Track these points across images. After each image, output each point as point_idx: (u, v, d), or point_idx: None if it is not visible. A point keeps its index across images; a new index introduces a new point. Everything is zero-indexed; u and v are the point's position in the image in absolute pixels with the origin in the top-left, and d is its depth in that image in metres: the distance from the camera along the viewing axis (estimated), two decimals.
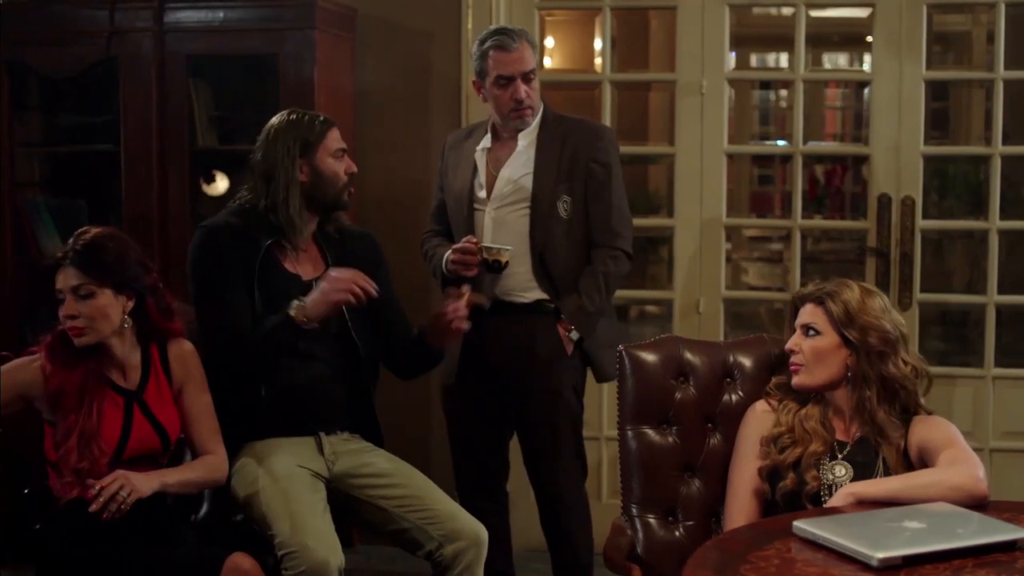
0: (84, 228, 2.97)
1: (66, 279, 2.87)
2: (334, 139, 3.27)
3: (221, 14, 4.33)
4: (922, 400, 2.72)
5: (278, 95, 4.25)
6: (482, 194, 3.64)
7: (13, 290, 4.52)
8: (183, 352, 3.04)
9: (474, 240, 3.55)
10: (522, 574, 3.90)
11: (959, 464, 2.50)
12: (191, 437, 3.04)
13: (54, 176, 4.76)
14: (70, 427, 2.83)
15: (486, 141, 3.68)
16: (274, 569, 2.98)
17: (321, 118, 3.30)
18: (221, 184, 4.56)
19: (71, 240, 2.93)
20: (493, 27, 3.69)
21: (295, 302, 3.09)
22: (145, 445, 2.93)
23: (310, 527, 2.98)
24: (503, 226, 3.60)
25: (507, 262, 3.51)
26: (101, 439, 2.84)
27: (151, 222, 4.36)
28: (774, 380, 2.82)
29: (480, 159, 3.66)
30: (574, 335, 3.59)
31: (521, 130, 3.63)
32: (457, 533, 3.13)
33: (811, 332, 2.72)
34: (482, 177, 3.65)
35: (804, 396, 2.73)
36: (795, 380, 2.73)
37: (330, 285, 3.08)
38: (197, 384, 3.05)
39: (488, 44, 3.56)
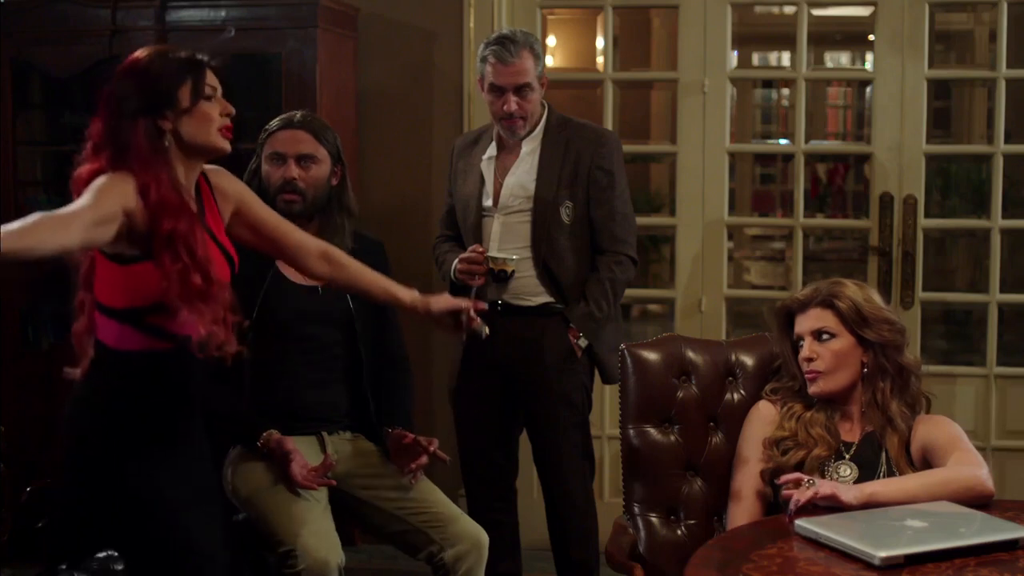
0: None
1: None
2: (274, 142, 3.27)
3: (223, 13, 4.32)
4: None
5: (280, 94, 4.26)
6: (488, 203, 3.63)
7: (16, 288, 4.52)
8: (226, 179, 2.69)
9: (480, 249, 3.55)
10: (525, 573, 3.90)
11: (967, 463, 2.50)
12: (288, 242, 2.72)
13: (57, 175, 4.76)
14: (184, 244, 2.40)
15: (491, 150, 3.67)
16: (275, 568, 2.99)
17: (278, 121, 3.31)
18: None
19: None
20: (498, 33, 3.65)
21: (273, 432, 3.09)
22: (218, 272, 2.51)
23: (310, 526, 2.99)
24: (511, 233, 3.60)
25: (513, 271, 3.52)
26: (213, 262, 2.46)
27: None
28: (768, 386, 2.80)
29: (487, 169, 3.66)
30: (583, 342, 3.58)
31: (512, 140, 3.63)
32: (458, 537, 3.13)
33: (825, 336, 2.69)
34: (489, 186, 3.64)
35: (809, 400, 2.72)
36: (814, 388, 2.69)
37: (298, 473, 3.04)
38: (257, 199, 2.74)
39: (487, 51, 3.55)
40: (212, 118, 2.54)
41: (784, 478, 2.49)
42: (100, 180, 2.36)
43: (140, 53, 2.52)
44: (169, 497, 2.46)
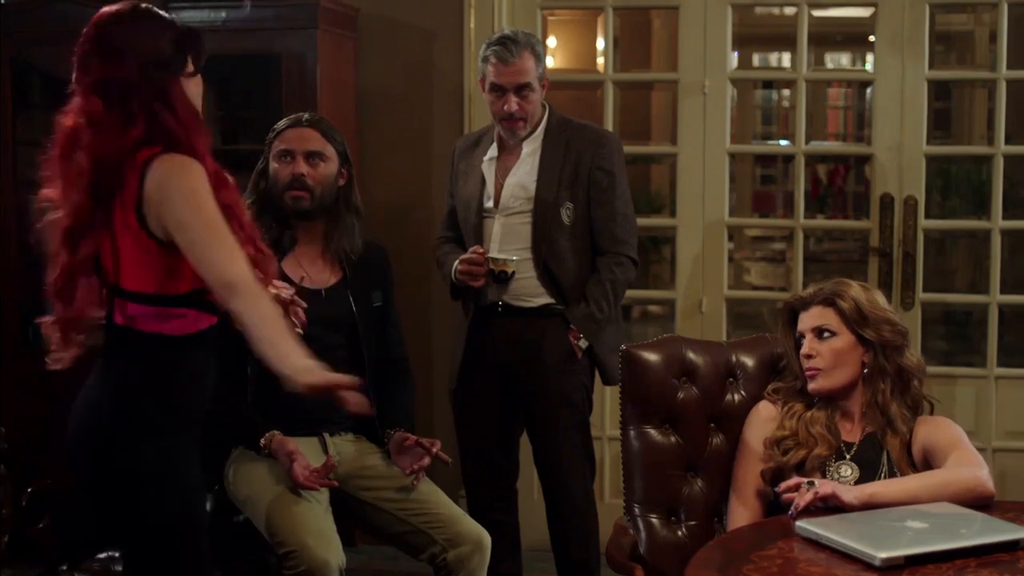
0: None
1: None
2: (282, 140, 3.29)
3: (224, 14, 4.32)
4: (924, 391, 2.73)
5: (281, 95, 4.26)
6: (489, 204, 3.64)
7: (16, 288, 4.53)
8: None
9: (480, 251, 3.55)
10: (526, 573, 3.90)
11: (968, 464, 2.51)
12: None
13: None
14: (236, 215, 2.37)
15: (492, 151, 3.68)
16: (275, 569, 2.99)
17: (286, 121, 3.33)
18: None
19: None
20: (500, 33, 3.66)
21: (275, 432, 3.10)
22: None
23: (311, 526, 2.99)
24: (512, 234, 3.60)
25: (513, 272, 3.52)
26: None
27: None
28: (771, 386, 2.81)
29: (487, 170, 3.66)
30: (583, 343, 3.59)
31: (512, 141, 3.64)
32: (460, 537, 3.13)
33: (826, 334, 2.70)
34: (490, 187, 3.64)
35: (810, 399, 2.72)
36: (813, 386, 2.70)
37: (300, 474, 3.04)
38: None
39: (489, 51, 3.56)
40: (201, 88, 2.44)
41: (783, 486, 2.49)
42: (199, 189, 2.26)
43: (128, 5, 2.39)
44: (193, 487, 2.44)
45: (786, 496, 2.45)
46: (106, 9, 2.38)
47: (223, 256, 2.24)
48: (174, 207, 2.24)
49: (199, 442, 2.47)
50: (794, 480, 2.48)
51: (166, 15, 2.41)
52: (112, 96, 2.29)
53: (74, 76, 2.35)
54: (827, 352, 2.69)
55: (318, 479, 3.04)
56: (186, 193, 2.24)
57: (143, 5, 2.41)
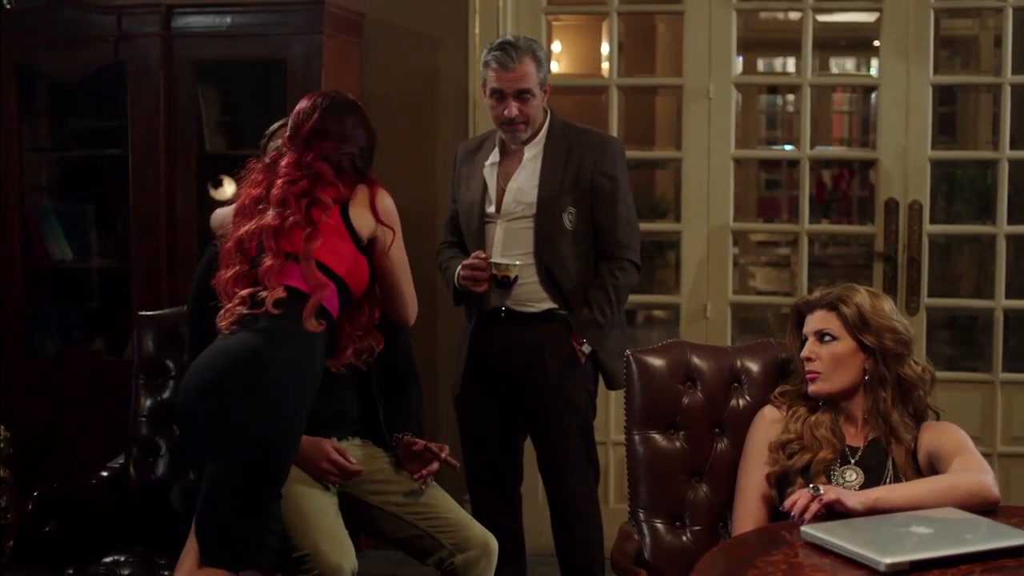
0: None
1: None
2: (277, 141, 3.27)
3: (228, 19, 4.33)
4: (929, 400, 2.72)
5: (285, 100, 4.26)
6: (491, 209, 3.64)
7: (22, 293, 4.53)
8: None
9: (483, 256, 3.56)
10: None
11: (973, 470, 2.50)
12: None
13: (62, 180, 4.77)
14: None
15: (494, 156, 3.68)
16: (287, 571, 2.98)
17: (278, 124, 3.31)
18: (229, 189, 4.56)
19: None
20: (501, 38, 3.67)
21: None
22: None
23: (324, 530, 2.99)
24: (513, 239, 3.61)
25: (516, 277, 3.53)
26: None
27: (158, 227, 4.37)
28: (778, 389, 2.81)
29: (489, 175, 3.67)
30: (586, 348, 3.59)
31: (513, 144, 3.64)
32: (468, 542, 3.13)
33: (827, 338, 2.70)
34: (492, 192, 3.65)
35: (814, 402, 2.73)
36: (812, 388, 2.70)
37: (308, 462, 3.07)
38: None
39: (490, 56, 3.57)
40: None
41: (788, 504, 2.47)
42: (389, 203, 3.14)
43: (351, 101, 3.07)
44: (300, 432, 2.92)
45: (790, 506, 2.44)
46: (336, 98, 3.04)
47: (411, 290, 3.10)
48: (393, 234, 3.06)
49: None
50: (798, 494, 2.47)
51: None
52: (332, 165, 2.96)
53: (297, 136, 2.97)
54: (826, 356, 2.69)
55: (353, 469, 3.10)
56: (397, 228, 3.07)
57: (358, 104, 3.10)
